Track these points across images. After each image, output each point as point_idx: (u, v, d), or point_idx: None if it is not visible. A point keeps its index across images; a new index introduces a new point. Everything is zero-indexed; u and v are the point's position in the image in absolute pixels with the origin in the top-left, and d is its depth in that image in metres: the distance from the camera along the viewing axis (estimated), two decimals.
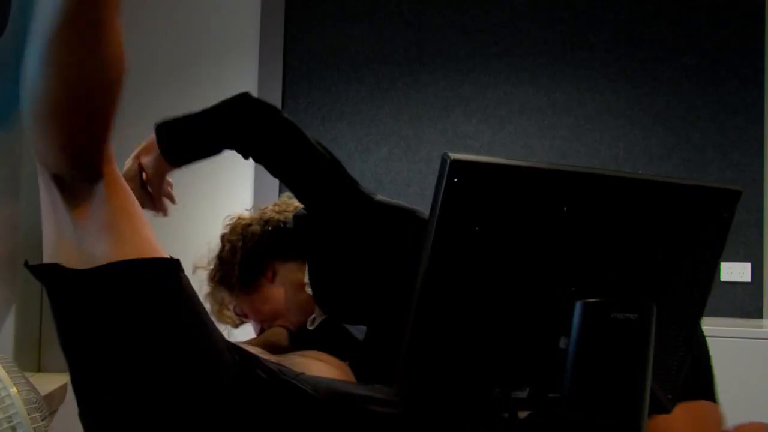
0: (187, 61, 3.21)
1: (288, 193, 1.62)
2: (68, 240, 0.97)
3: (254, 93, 1.35)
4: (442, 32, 3.33)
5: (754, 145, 3.15)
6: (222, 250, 1.71)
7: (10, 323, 1.33)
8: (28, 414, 0.97)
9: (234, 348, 1.11)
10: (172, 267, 1.04)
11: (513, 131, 3.28)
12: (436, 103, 3.32)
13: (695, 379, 1.23)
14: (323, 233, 1.42)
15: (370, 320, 1.53)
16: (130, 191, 1.06)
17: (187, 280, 1.08)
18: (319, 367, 1.36)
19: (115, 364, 0.97)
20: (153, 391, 0.98)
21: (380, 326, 1.50)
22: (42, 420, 0.99)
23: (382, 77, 3.34)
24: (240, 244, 1.68)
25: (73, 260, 0.96)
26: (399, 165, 3.32)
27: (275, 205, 1.74)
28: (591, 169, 0.73)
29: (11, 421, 0.94)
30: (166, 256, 1.04)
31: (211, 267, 1.72)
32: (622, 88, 3.23)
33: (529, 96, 3.28)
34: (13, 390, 0.98)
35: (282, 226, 1.66)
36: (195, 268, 1.69)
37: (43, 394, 1.06)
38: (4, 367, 1.00)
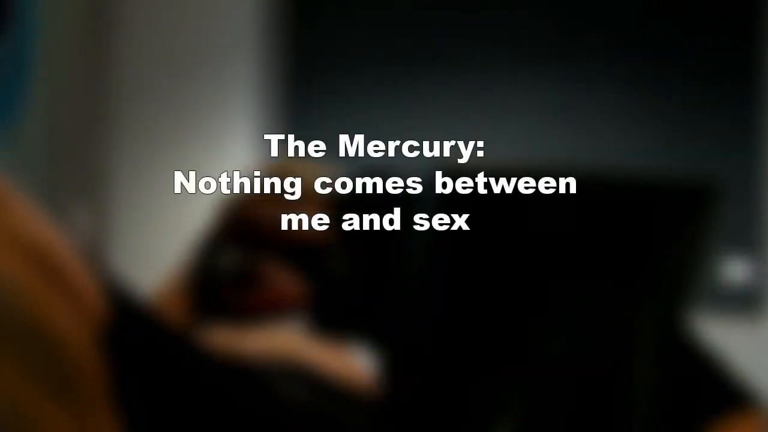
0: (186, 61, 3.22)
1: None
2: None
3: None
4: (442, 32, 3.34)
5: (753, 146, 3.15)
6: None
7: None
8: None
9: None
10: None
11: (513, 131, 3.29)
12: (436, 103, 3.33)
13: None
14: None
15: None
16: None
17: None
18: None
19: None
20: None
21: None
22: None
23: (382, 77, 3.35)
24: None
25: None
26: (399, 165, 3.33)
27: None
28: (578, 168, 0.74)
29: None
30: None
31: None
32: (622, 88, 3.24)
33: (529, 96, 3.29)
34: None
35: None
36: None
37: None
38: None
